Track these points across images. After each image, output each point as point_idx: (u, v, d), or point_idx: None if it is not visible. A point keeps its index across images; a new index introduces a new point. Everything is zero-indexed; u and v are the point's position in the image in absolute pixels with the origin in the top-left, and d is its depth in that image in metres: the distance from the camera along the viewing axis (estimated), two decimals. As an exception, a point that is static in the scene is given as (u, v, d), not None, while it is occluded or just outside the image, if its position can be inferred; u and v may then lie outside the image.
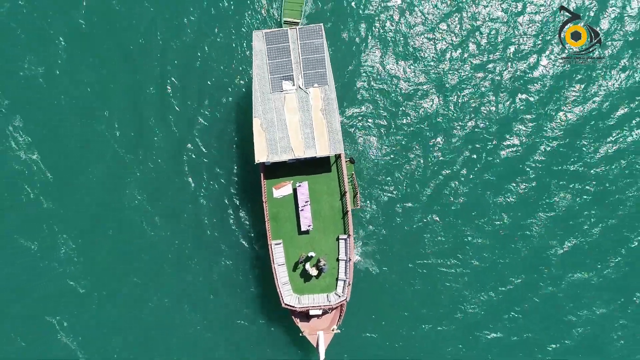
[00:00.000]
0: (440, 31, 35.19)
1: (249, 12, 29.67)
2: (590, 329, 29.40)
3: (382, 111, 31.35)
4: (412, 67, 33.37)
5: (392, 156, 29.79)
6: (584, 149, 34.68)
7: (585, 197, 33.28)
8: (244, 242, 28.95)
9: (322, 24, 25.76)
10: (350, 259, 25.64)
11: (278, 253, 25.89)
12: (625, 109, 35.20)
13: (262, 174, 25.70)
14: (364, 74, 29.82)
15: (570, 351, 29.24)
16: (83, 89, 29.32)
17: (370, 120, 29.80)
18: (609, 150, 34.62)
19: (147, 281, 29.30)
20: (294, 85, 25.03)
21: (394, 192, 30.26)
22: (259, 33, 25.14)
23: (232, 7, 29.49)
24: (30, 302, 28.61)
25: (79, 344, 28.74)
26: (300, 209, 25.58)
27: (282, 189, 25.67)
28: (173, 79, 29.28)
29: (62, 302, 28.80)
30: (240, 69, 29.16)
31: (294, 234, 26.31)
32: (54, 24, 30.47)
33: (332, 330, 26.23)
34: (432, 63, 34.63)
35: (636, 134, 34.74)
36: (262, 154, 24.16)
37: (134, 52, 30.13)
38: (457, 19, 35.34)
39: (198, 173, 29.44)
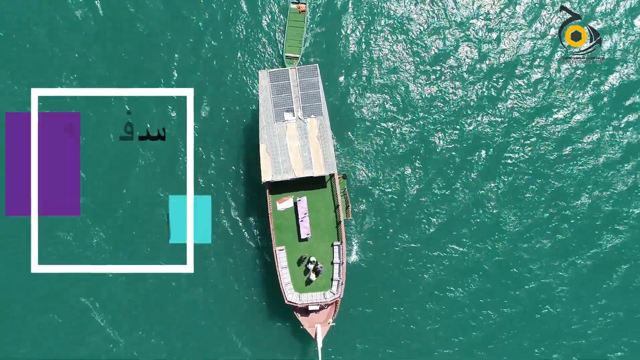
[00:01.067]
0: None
1: (257, 49, 32.69)
2: (536, 293, 31.91)
3: (368, 116, 32.92)
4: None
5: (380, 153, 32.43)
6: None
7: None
8: (252, 248, 31.72)
9: (317, 65, 29.38)
10: (342, 262, 28.55)
11: (281, 257, 29.18)
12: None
13: (267, 191, 29.19)
14: (354, 95, 32.51)
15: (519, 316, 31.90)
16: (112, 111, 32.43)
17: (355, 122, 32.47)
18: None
19: (163, 279, 31.38)
20: (294, 116, 28.69)
21: (382, 185, 32.34)
22: (264, 72, 28.85)
23: (242, 43, 32.66)
24: (63, 286, 31.27)
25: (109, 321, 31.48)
26: (300, 220, 28.99)
27: (285, 203, 29.15)
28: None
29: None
30: (249, 100, 32.12)
31: (295, 241, 29.48)
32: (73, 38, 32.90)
33: (328, 323, 28.97)
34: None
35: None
36: (267, 174, 27.91)
37: (151, 66, 32.44)
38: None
39: (211, 190, 32.00)
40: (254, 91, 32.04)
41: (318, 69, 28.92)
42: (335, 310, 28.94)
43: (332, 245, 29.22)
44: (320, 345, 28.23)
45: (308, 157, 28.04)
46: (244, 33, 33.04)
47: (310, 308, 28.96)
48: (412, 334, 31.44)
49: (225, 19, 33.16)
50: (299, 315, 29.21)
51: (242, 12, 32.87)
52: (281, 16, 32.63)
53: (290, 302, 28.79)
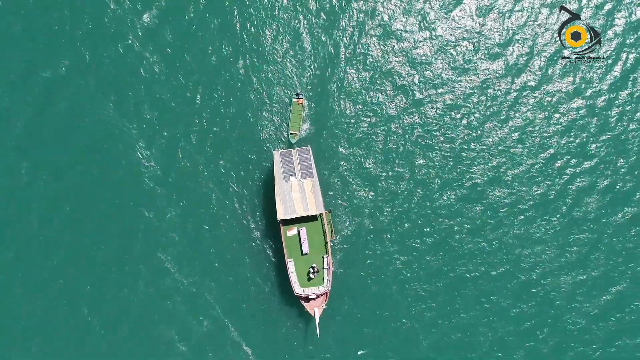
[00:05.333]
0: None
1: (269, 127, 42.90)
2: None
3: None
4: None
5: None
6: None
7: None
8: (270, 260, 40.77)
9: (309, 146, 40.20)
10: (329, 268, 38.79)
11: (291, 265, 38.98)
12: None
13: (280, 224, 39.57)
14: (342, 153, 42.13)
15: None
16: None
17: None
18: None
19: (202, 279, 39.94)
20: (296, 178, 39.71)
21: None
22: (277, 152, 40.10)
23: (260, 124, 42.79)
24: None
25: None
26: (302, 242, 39.27)
27: (292, 231, 39.77)
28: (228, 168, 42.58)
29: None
30: (264, 165, 41.99)
31: (299, 255, 39.32)
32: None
33: (323, 307, 38.16)
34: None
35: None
36: (280, 214, 38.95)
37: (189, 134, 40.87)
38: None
39: (240, 224, 41.06)
40: (269, 159, 41.68)
41: (310, 149, 40.31)
42: (326, 298, 38.47)
43: (323, 257, 39.62)
44: (317, 321, 37.84)
45: (306, 203, 39.40)
46: (261, 117, 42.62)
47: (310, 297, 38.20)
48: (384, 310, 40.15)
49: (246, 109, 42.38)
50: (302, 302, 38.56)
51: (260, 103, 43.02)
52: (287, 107, 43.49)
53: (297, 293, 38.38)
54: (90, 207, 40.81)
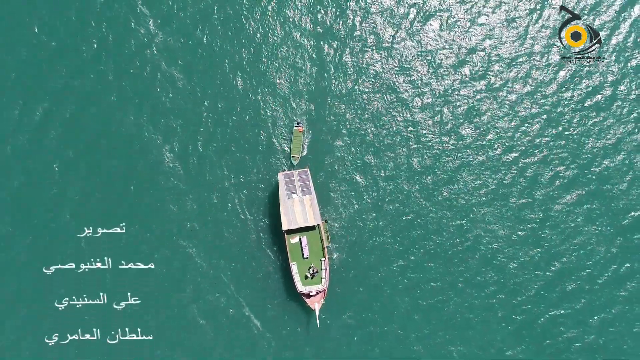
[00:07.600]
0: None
1: (274, 152, 47.93)
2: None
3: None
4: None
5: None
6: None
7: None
8: (276, 263, 45.12)
9: (308, 168, 44.40)
10: (326, 269, 43.06)
11: (294, 267, 43.18)
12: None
13: (284, 233, 43.52)
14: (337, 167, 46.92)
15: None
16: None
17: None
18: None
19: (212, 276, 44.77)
20: (297, 195, 44.00)
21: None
22: (281, 174, 44.33)
23: (264, 149, 47.52)
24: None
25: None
26: (303, 247, 43.47)
27: (294, 239, 43.79)
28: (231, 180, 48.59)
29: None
30: (270, 183, 46.67)
31: (301, 259, 43.61)
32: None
33: (321, 302, 41.81)
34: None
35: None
36: (285, 225, 43.08)
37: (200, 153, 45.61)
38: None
39: (248, 231, 45.52)
40: (274, 179, 46.11)
41: (309, 170, 44.62)
42: (324, 294, 42.40)
43: (321, 260, 43.86)
44: (317, 314, 41.73)
45: (306, 216, 43.88)
46: (266, 143, 47.08)
47: (311, 294, 42.28)
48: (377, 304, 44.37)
49: (256, 136, 47.17)
50: (304, 298, 42.43)
51: (267, 132, 47.58)
52: (288, 134, 48.70)
53: (300, 291, 42.28)
54: (122, 201, 46.69)
